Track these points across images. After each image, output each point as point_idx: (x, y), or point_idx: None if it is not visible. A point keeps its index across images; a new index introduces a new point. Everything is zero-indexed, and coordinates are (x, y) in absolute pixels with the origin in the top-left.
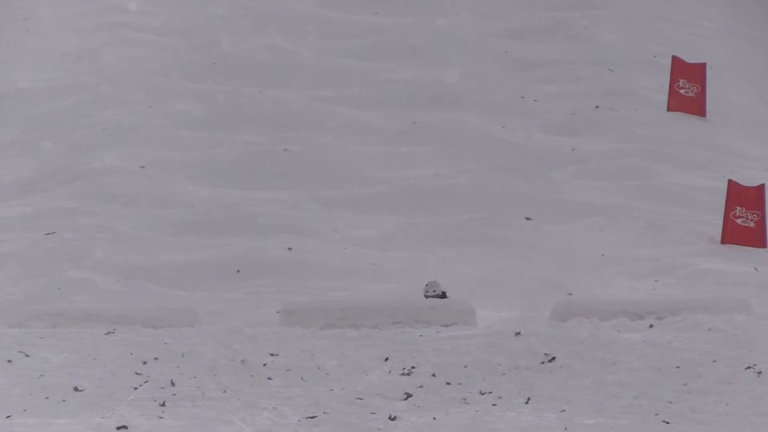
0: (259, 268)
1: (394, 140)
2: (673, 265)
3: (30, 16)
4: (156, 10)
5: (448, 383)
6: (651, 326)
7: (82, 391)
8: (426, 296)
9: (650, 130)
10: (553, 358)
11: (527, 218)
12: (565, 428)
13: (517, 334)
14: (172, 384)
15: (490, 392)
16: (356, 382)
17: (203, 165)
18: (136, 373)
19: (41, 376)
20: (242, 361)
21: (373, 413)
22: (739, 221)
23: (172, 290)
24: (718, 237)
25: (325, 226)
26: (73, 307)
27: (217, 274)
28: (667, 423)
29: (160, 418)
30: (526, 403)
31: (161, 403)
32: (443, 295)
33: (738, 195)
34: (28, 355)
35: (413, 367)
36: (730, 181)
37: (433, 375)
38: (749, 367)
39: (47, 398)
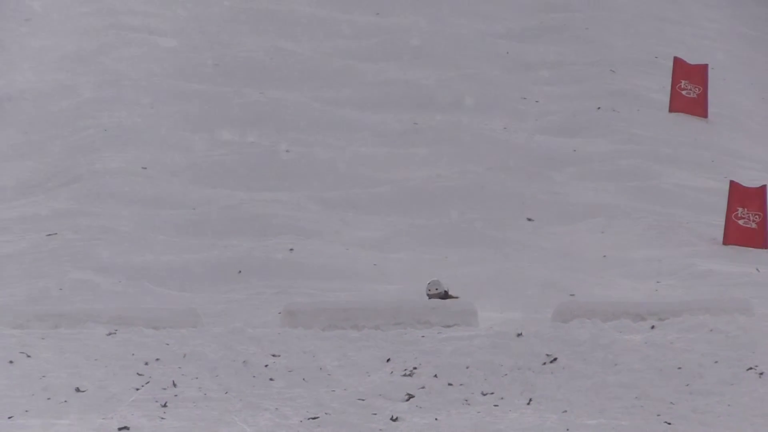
0: (261, 269)
1: (395, 141)
2: (675, 266)
3: (32, 17)
4: (157, 11)
5: (450, 384)
6: (653, 327)
7: (83, 391)
8: (428, 295)
9: (652, 131)
10: (555, 359)
11: (529, 219)
12: (567, 429)
13: (519, 335)
14: (174, 385)
15: (492, 393)
16: (358, 383)
17: (205, 166)
18: (137, 373)
19: (43, 376)
20: (244, 362)
21: (375, 414)
22: (740, 222)
23: (174, 291)
24: (720, 238)
25: (326, 227)
26: (75, 308)
27: (219, 275)
28: (669, 424)
29: (162, 418)
30: (528, 403)
31: (163, 404)
32: (446, 294)
33: (740, 196)
34: (29, 356)
35: (415, 368)
36: (731, 182)
37: (435, 376)
38: (751, 368)
39: (49, 399)
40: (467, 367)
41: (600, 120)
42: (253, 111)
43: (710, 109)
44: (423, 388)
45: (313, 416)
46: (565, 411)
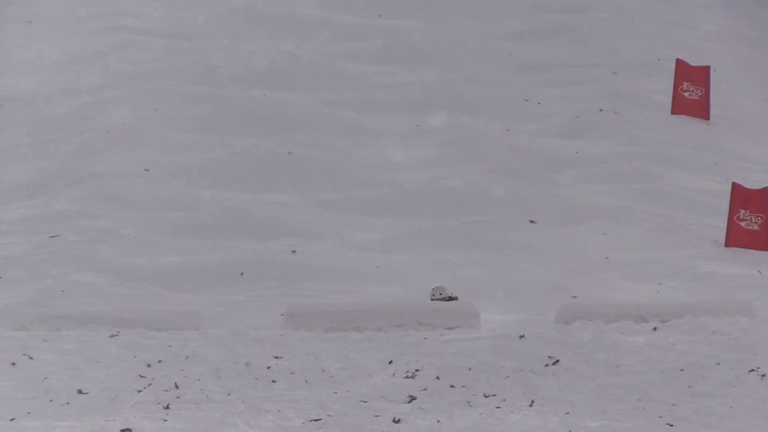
0: (263, 271)
1: (398, 143)
2: (677, 268)
3: (34, 19)
4: (160, 13)
5: (452, 386)
6: (655, 329)
7: (86, 393)
8: (432, 300)
9: (654, 133)
10: (557, 361)
11: (531, 221)
12: (569, 431)
13: (521, 336)
14: (176, 387)
15: (494, 395)
16: (360, 385)
17: (207, 168)
18: (140, 375)
19: (45, 378)
20: (246, 364)
21: (377, 416)
22: (743, 224)
23: (176, 293)
24: (722, 240)
25: (329, 228)
26: (77, 310)
27: (221, 277)
28: (671, 426)
29: (164, 420)
30: (530, 405)
31: (165, 405)
32: (449, 300)
33: (742, 198)
34: (32, 358)
35: (417, 370)
36: (734, 183)
37: (437, 378)
38: (753, 370)
39: (51, 401)
40: (469, 369)
41: (602, 122)
42: (255, 113)
43: (712, 111)
44: (425, 389)
45: (315, 418)
46: (568, 413)
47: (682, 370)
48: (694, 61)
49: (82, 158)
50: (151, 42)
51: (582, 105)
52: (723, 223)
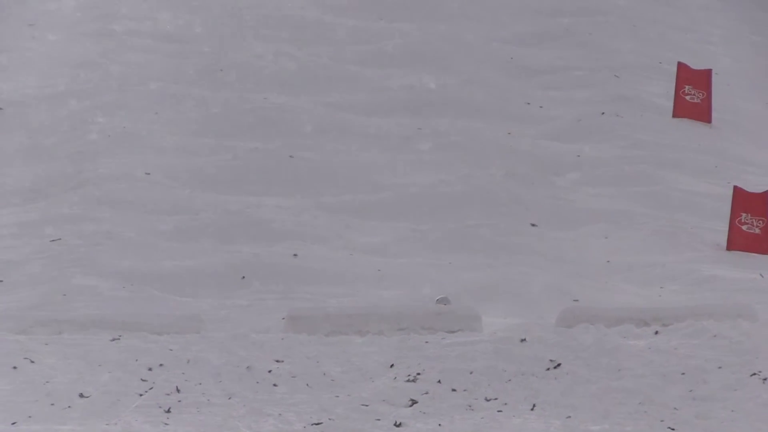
0: (265, 275)
1: (399, 146)
2: (679, 272)
3: (35, 22)
4: (162, 16)
5: (454, 390)
6: (656, 333)
7: (87, 397)
8: None
9: (656, 137)
10: (559, 365)
11: (532, 224)
12: None
13: (523, 340)
14: (178, 390)
15: (496, 398)
16: (362, 389)
17: (209, 171)
18: (141, 379)
19: (46, 382)
20: (247, 367)
21: (379, 420)
22: (744, 228)
23: (178, 297)
24: (724, 243)
25: (330, 232)
26: (79, 313)
27: (223, 281)
28: (673, 429)
29: (166, 424)
30: (532, 409)
31: (166, 409)
32: None
33: (744, 201)
34: (33, 362)
35: (419, 374)
36: (735, 187)
37: (439, 381)
38: (755, 374)
39: (52, 405)
40: (471, 373)
41: (604, 125)
42: (256, 116)
43: (714, 115)
44: (426, 393)
45: (316, 422)
46: (569, 416)
47: (683, 373)
48: (695, 64)
49: (83, 162)
50: (152, 45)
51: (584, 108)
52: (724, 227)
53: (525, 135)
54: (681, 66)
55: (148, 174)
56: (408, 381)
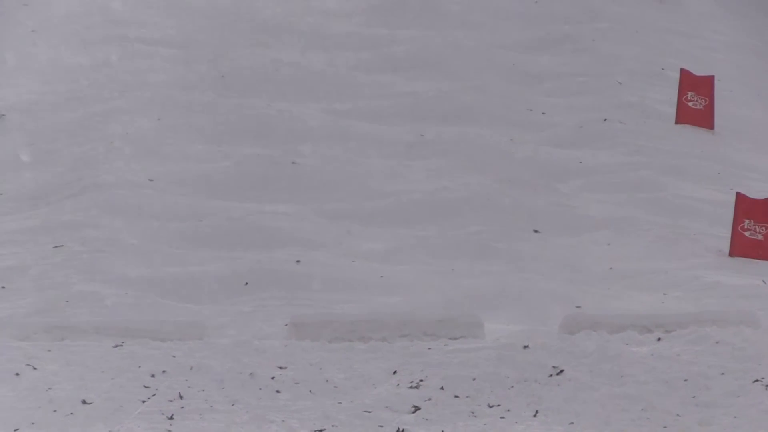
0: (267, 281)
1: (402, 153)
2: (681, 278)
3: (38, 28)
4: (164, 22)
5: (457, 396)
6: (659, 339)
7: (90, 404)
8: None
9: (658, 143)
10: (561, 371)
11: (535, 231)
12: None
13: (526, 347)
14: (180, 397)
15: (499, 405)
16: (364, 395)
17: (211, 178)
18: (144, 386)
19: (49, 389)
20: (250, 374)
21: (381, 426)
22: (747, 234)
23: (180, 303)
24: (727, 250)
25: (332, 238)
26: (81, 320)
27: (226, 287)
28: None
29: (168, 431)
30: (535, 416)
31: (169, 416)
32: None
33: (746, 208)
34: (35, 368)
35: (421, 380)
36: (738, 193)
37: (442, 388)
38: (757, 380)
39: (55, 411)
40: (474, 379)
41: (606, 132)
42: (259, 122)
43: (717, 121)
44: (429, 400)
45: (319, 428)
46: (572, 423)
47: (686, 380)
48: (698, 70)
49: (85, 168)
50: (155, 51)
51: (586, 114)
52: (727, 233)
53: (527, 141)
54: (683, 72)
55: (151, 180)
56: (411, 387)
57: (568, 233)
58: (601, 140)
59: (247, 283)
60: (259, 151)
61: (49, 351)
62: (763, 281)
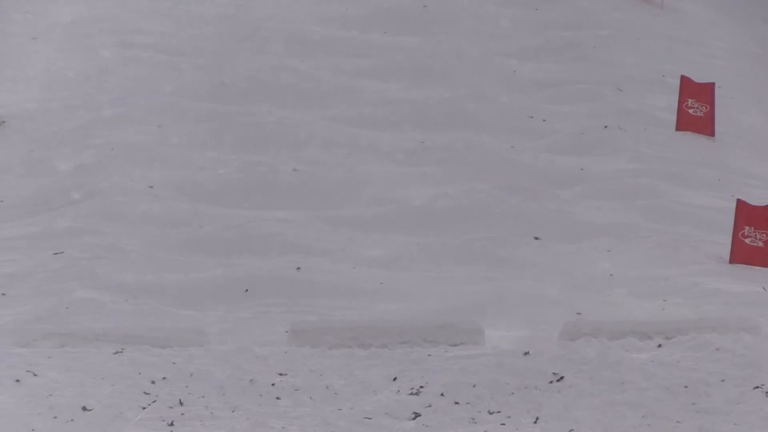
0: (268, 288)
1: (402, 160)
2: (682, 285)
3: (39, 35)
4: (165, 30)
5: (457, 403)
6: (659, 346)
7: (90, 410)
8: None
9: (659, 150)
10: (562, 378)
11: (536, 238)
12: None
13: (526, 353)
14: (181, 403)
15: (499, 412)
16: (365, 402)
17: (212, 184)
18: (144, 392)
19: (49, 395)
20: (251, 380)
21: None
22: (747, 241)
23: (181, 310)
24: (727, 256)
25: (333, 245)
26: (81, 326)
27: (226, 294)
28: None
29: None
30: (535, 422)
31: (169, 422)
32: None
33: (747, 214)
34: (36, 375)
35: (422, 387)
36: (738, 200)
37: (442, 394)
38: (757, 387)
39: (55, 417)
40: (474, 386)
41: (607, 139)
42: (260, 129)
43: (717, 128)
44: (430, 406)
45: None
46: (572, 429)
47: (686, 386)
48: (699, 77)
49: (86, 175)
50: (155, 58)
51: (587, 121)
52: (728, 240)
53: (528, 148)
54: (684, 79)
55: (151, 187)
56: (411, 394)
57: (569, 240)
58: (601, 147)
59: (247, 290)
60: (259, 158)
61: (49, 357)
62: (764, 288)
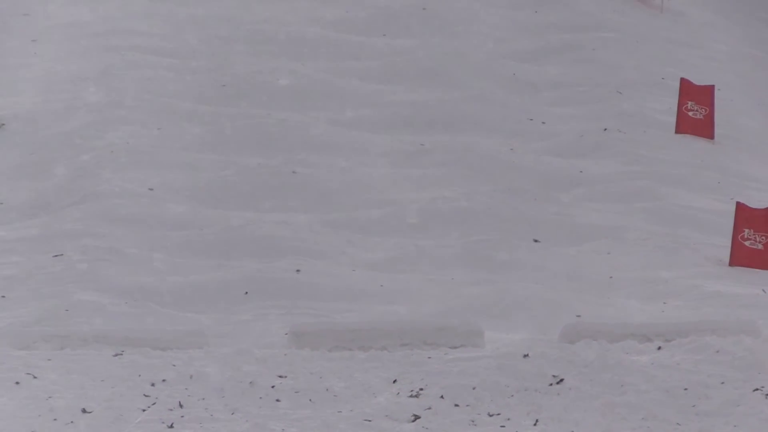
0: (268, 290)
1: (402, 162)
2: (682, 288)
3: (38, 38)
4: (164, 32)
5: (457, 405)
6: (659, 348)
7: (90, 412)
8: None
9: (658, 153)
10: (562, 380)
11: (535, 240)
12: None
13: (526, 356)
14: (180, 406)
15: (499, 414)
16: (365, 404)
17: (211, 187)
18: (144, 394)
19: (49, 397)
20: (250, 383)
21: None
22: (747, 243)
23: (180, 312)
24: (727, 259)
25: (333, 248)
26: (81, 329)
27: (226, 296)
28: None
29: None
30: (535, 425)
31: (169, 425)
32: None
33: (746, 217)
34: (36, 377)
35: (421, 389)
36: (738, 203)
37: (442, 397)
38: (757, 389)
39: (55, 420)
40: (474, 388)
41: (607, 141)
42: (260, 132)
43: (717, 131)
44: (429, 408)
45: None
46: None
47: (686, 389)
48: (698, 80)
49: (85, 177)
50: (155, 61)
51: (586, 124)
52: (727, 243)
53: (528, 151)
54: (684, 82)
55: (151, 189)
56: (411, 396)
57: (569, 242)
58: (601, 150)
59: (247, 292)
60: (259, 160)
61: (49, 360)
62: (763, 290)
